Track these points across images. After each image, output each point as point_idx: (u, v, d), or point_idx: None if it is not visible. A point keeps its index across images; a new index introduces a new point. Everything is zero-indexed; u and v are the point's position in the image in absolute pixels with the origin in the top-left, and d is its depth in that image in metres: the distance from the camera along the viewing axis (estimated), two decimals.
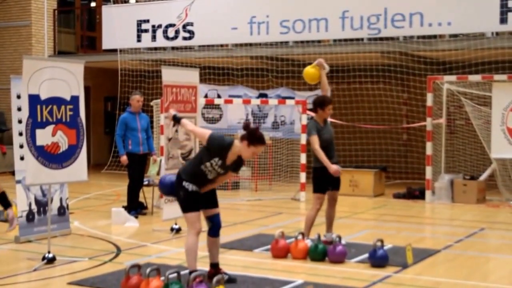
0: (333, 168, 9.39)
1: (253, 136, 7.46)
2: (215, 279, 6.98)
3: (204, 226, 7.73)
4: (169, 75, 11.45)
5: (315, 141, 9.51)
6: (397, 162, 18.64)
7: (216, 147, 7.53)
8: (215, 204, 7.86)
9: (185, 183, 7.56)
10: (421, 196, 15.47)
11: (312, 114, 9.92)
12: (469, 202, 14.78)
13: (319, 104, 9.81)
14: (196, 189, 7.59)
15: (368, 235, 10.01)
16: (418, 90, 16.84)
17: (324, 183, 9.68)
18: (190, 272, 7.30)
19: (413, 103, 18.18)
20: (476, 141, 16.28)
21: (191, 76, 11.84)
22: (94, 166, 22.78)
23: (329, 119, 16.31)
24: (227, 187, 17.43)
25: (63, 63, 10.21)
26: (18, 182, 10.57)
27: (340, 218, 12.86)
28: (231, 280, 7.91)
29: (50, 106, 9.50)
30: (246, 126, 7.62)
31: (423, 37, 16.80)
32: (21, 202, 10.75)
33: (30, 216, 10.77)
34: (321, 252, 9.12)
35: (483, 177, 15.54)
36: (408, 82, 17.83)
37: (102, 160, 22.20)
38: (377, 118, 18.35)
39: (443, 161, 16.10)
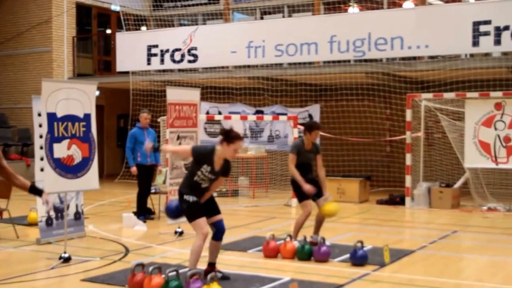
0: (305, 187, 9.38)
1: (228, 135, 7.56)
2: (209, 277, 6.98)
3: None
4: (173, 94, 11.53)
5: (292, 159, 9.63)
6: (381, 172, 18.63)
7: (201, 155, 7.60)
8: (217, 211, 7.89)
9: (185, 196, 7.62)
10: (401, 202, 15.48)
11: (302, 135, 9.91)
12: (445, 208, 14.78)
13: (308, 128, 9.82)
14: (196, 199, 7.63)
15: (351, 237, 10.02)
16: (399, 107, 16.84)
17: (302, 193, 9.63)
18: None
19: (395, 118, 18.17)
20: (451, 152, 16.25)
21: (193, 95, 11.92)
22: (108, 176, 22.84)
23: (320, 132, 16.49)
24: (228, 194, 17.46)
25: (77, 84, 10.29)
26: None
27: (327, 222, 12.68)
28: (225, 277, 7.95)
29: (65, 123, 9.64)
30: (221, 131, 7.75)
31: (403, 58, 16.81)
32: (41, 208, 10.83)
33: (49, 221, 10.91)
34: (307, 252, 9.19)
35: (458, 184, 15.54)
36: (390, 99, 17.84)
37: (115, 170, 22.19)
38: (363, 132, 18.36)
39: (421, 171, 16.10)
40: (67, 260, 9.19)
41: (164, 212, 9.71)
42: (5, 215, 11.57)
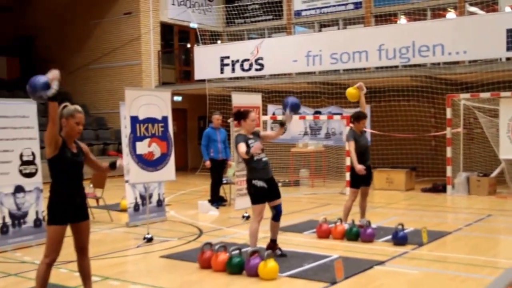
0: (358, 167, 9.38)
1: (238, 114, 7.98)
2: (266, 253, 7.10)
3: (268, 213, 7.93)
4: (238, 99, 11.71)
5: (352, 145, 9.55)
6: (426, 164, 18.44)
7: (244, 140, 7.77)
8: (278, 196, 7.98)
9: (253, 181, 7.76)
10: (443, 190, 15.29)
11: (351, 125, 9.94)
12: (482, 194, 14.55)
13: (356, 118, 9.84)
14: (263, 185, 7.74)
15: (396, 221, 9.94)
16: (441, 106, 16.65)
17: (358, 181, 9.71)
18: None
19: (438, 116, 18.01)
20: (488, 146, 15.99)
21: (255, 99, 12.08)
22: (191, 169, 23.22)
23: (370, 130, 16.48)
24: (290, 184, 17.60)
25: (155, 91, 10.64)
26: (126, 181, 11.00)
27: (376, 207, 12.94)
28: (283, 255, 8.04)
29: (146, 124, 9.88)
30: (233, 116, 8.24)
31: (444, 63, 16.66)
32: (129, 196, 11.18)
33: (136, 207, 11.19)
34: (355, 234, 9.22)
35: (494, 174, 15.28)
36: (433, 99, 17.65)
37: (197, 165, 22.53)
38: (409, 129, 18.18)
39: (461, 162, 15.88)
40: (150, 240, 9.41)
41: None
42: (101, 202, 11.90)
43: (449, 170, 15.17)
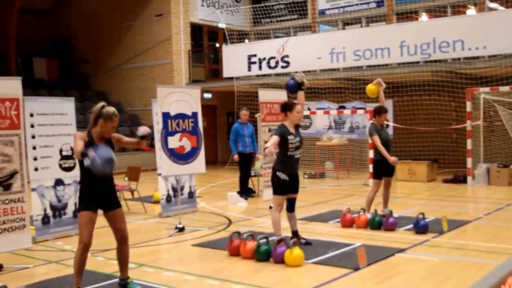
0: (392, 159, 9.41)
1: (285, 106, 7.91)
2: (291, 242, 7.19)
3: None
4: (264, 95, 11.75)
5: (377, 139, 9.55)
6: (447, 155, 18.29)
7: (283, 132, 7.76)
8: (296, 191, 8.03)
9: (278, 173, 7.79)
10: (464, 180, 15.19)
11: (373, 119, 9.93)
12: (502, 185, 14.41)
13: (377, 112, 9.83)
14: (286, 178, 7.77)
15: (417, 210, 9.90)
16: (462, 100, 16.50)
17: (380, 172, 9.72)
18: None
19: (458, 110, 17.86)
20: (508, 138, 15.84)
21: (280, 95, 12.10)
22: (221, 163, 23.35)
23: (393, 124, 16.41)
24: (316, 176, 17.62)
25: (185, 89, 10.71)
26: (159, 174, 11.13)
27: (399, 198, 12.90)
28: (308, 243, 8.09)
29: (177, 120, 9.99)
30: (281, 107, 8.02)
31: (464, 58, 16.51)
32: (162, 188, 11.30)
33: (168, 199, 11.32)
34: (378, 223, 9.23)
35: None
36: (453, 93, 17.49)
37: (226, 158, 22.69)
38: (430, 122, 18.08)
39: (482, 153, 15.78)
40: (181, 229, 9.54)
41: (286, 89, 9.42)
42: (136, 194, 12.10)
43: (469, 162, 15.07)
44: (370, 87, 10.11)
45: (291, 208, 8.06)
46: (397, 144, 16.98)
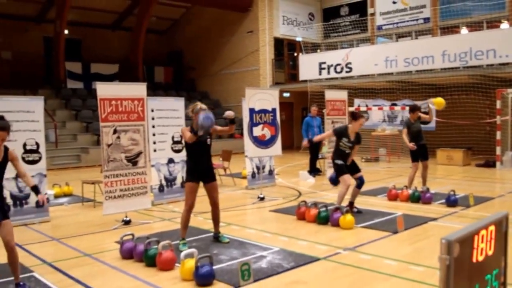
0: (409, 145, 9.34)
1: (354, 115, 7.85)
2: (345, 209, 7.33)
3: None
4: (329, 94, 11.85)
5: (404, 132, 9.52)
6: (481, 145, 17.73)
7: (340, 132, 7.85)
8: (358, 170, 8.07)
9: (336, 161, 7.88)
10: (493, 165, 14.71)
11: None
12: None
13: (411, 109, 9.75)
14: (342, 163, 7.85)
15: (451, 188, 9.77)
16: (493, 98, 15.93)
17: (415, 156, 9.63)
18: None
19: (491, 107, 17.17)
20: None
21: (342, 94, 12.17)
22: (296, 148, 23.47)
23: (436, 118, 16.06)
24: (371, 160, 17.51)
25: (267, 90, 10.91)
26: (246, 156, 11.34)
27: (438, 178, 12.68)
28: (359, 211, 8.18)
29: (260, 114, 10.17)
30: (350, 113, 8.04)
31: (496, 64, 15.92)
32: (248, 167, 11.49)
33: (253, 175, 11.45)
34: (417, 197, 9.18)
35: None
36: (487, 93, 16.91)
37: (300, 144, 22.65)
38: (467, 117, 17.50)
39: (509, 143, 15.19)
40: (262, 199, 9.77)
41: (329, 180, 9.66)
42: (228, 171, 12.40)
43: (498, 150, 14.60)
44: (440, 101, 9.65)
45: (361, 185, 8.06)
46: (439, 134, 16.60)
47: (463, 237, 1.68)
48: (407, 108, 16.83)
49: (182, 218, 6.22)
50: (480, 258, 1.83)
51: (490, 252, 1.90)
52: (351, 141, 7.91)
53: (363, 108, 17.81)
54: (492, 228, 1.91)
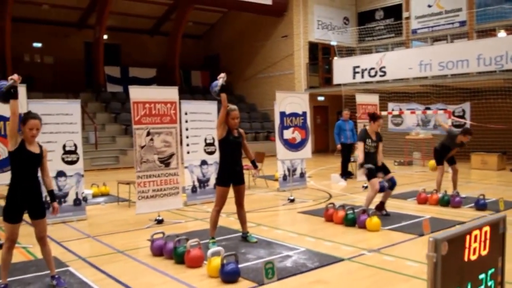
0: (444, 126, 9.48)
1: (373, 116, 7.98)
2: (371, 212, 7.35)
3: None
4: (360, 98, 11.86)
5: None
6: None
7: (363, 136, 7.91)
8: (388, 171, 8.10)
9: (365, 165, 7.85)
10: None
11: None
12: None
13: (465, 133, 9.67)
14: (372, 166, 7.86)
15: (484, 193, 9.60)
16: None
17: (439, 158, 9.63)
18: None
19: None
20: None
21: (373, 98, 12.14)
22: (331, 151, 23.40)
23: (470, 122, 15.79)
24: (405, 164, 17.33)
25: (297, 93, 10.98)
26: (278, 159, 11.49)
27: (471, 182, 12.49)
28: (387, 214, 8.18)
29: (291, 118, 10.27)
30: (368, 115, 8.09)
31: None
32: (280, 169, 11.58)
33: (284, 177, 11.55)
34: (446, 201, 9.10)
35: None
36: None
37: (334, 147, 22.63)
38: (502, 121, 17.14)
39: None
40: (292, 201, 9.87)
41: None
42: (260, 173, 12.39)
43: None
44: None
45: (393, 186, 8.07)
46: (473, 138, 16.27)
47: (452, 236, 1.76)
48: (440, 112, 16.81)
49: (212, 218, 6.40)
50: (473, 257, 1.90)
51: (484, 252, 1.96)
52: (374, 141, 8.01)
53: (394, 113, 17.66)
54: (486, 228, 1.98)
